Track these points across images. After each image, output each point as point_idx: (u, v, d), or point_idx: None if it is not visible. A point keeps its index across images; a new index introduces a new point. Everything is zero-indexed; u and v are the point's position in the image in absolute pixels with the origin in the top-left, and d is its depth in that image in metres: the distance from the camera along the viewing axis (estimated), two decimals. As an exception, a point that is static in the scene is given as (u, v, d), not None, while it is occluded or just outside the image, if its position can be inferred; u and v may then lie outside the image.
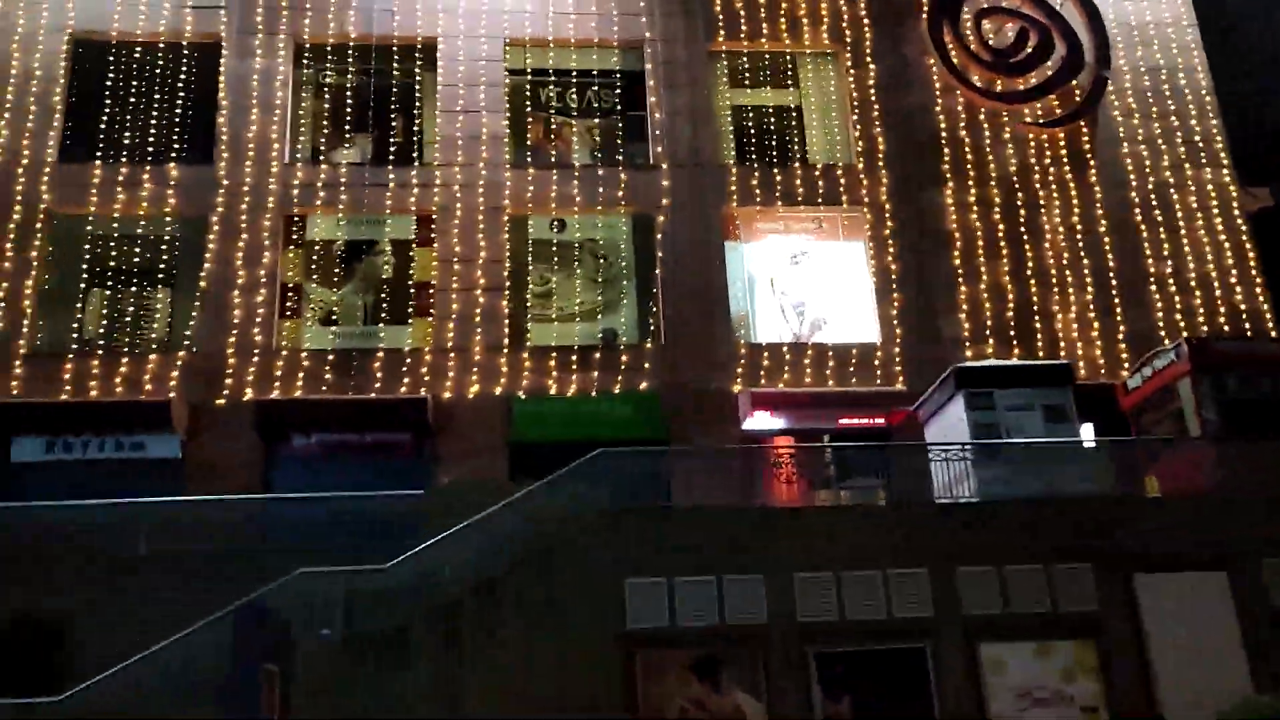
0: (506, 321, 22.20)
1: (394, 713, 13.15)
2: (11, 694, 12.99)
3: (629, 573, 14.22)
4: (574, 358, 22.00)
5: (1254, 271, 24.62)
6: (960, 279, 23.61)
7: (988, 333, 23.18)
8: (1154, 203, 25.01)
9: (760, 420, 21.33)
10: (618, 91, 24.65)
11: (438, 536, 14.51)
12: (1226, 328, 23.85)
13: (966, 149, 24.84)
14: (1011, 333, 23.21)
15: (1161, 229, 24.77)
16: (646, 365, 22.03)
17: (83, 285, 21.81)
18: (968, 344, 22.93)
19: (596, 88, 24.75)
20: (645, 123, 24.33)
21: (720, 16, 25.22)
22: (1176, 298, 24.14)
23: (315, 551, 14.38)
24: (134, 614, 14.08)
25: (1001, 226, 24.20)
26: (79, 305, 21.61)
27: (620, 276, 23.47)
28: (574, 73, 24.65)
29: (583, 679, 13.47)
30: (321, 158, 23.41)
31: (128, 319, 21.76)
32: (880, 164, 24.43)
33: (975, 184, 24.54)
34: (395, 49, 24.16)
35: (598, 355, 22.08)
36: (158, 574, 14.91)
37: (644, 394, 21.67)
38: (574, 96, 24.61)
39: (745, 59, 25.32)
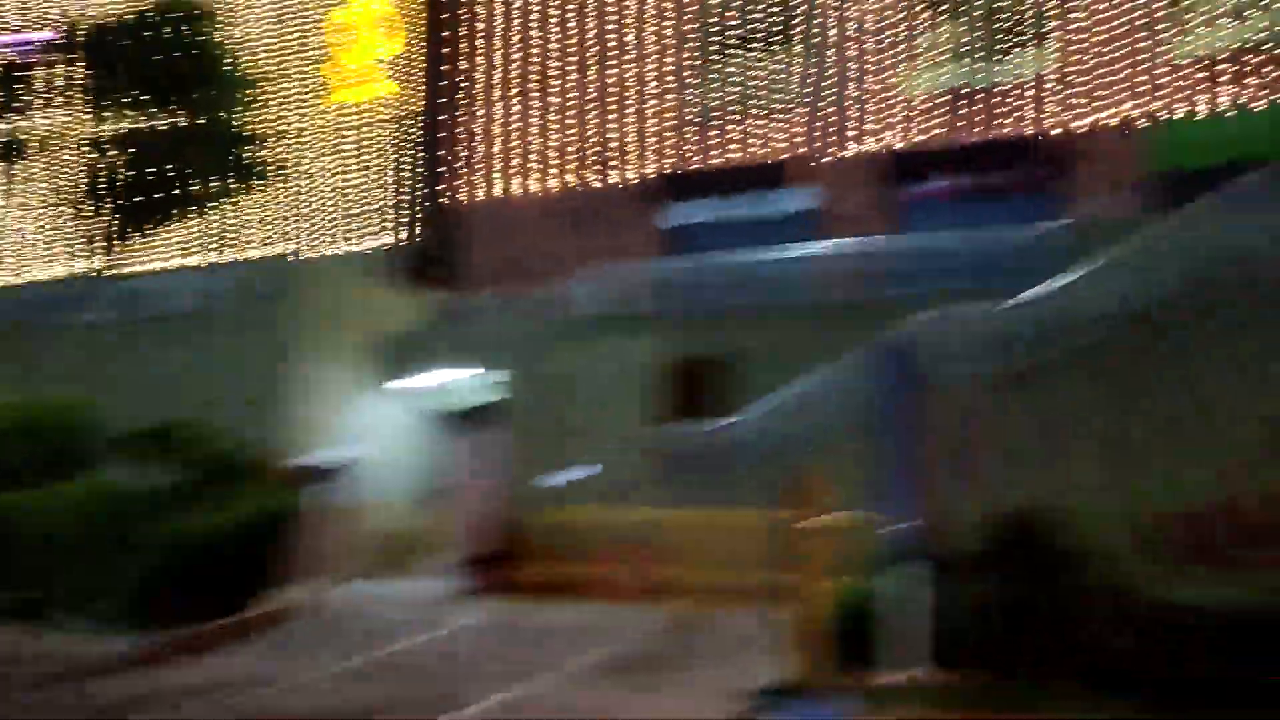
0: (1143, 33, 19.59)
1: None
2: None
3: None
4: (1227, 67, 18.86)
5: None
6: None
7: None
8: None
9: None
10: None
11: (1079, 272, 13.70)
12: None
13: None
14: None
15: None
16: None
17: (719, 54, 23.15)
18: None
19: None
20: None
21: None
22: None
23: (953, 290, 14.47)
24: (794, 354, 15.39)
25: None
26: (719, 73, 23.07)
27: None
28: None
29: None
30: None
31: (760, 81, 22.80)
32: None
33: None
34: None
35: (1258, 59, 18.67)
36: (807, 318, 16.14)
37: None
38: None
39: None
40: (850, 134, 21.33)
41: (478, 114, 24.71)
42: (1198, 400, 12.37)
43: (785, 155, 21.65)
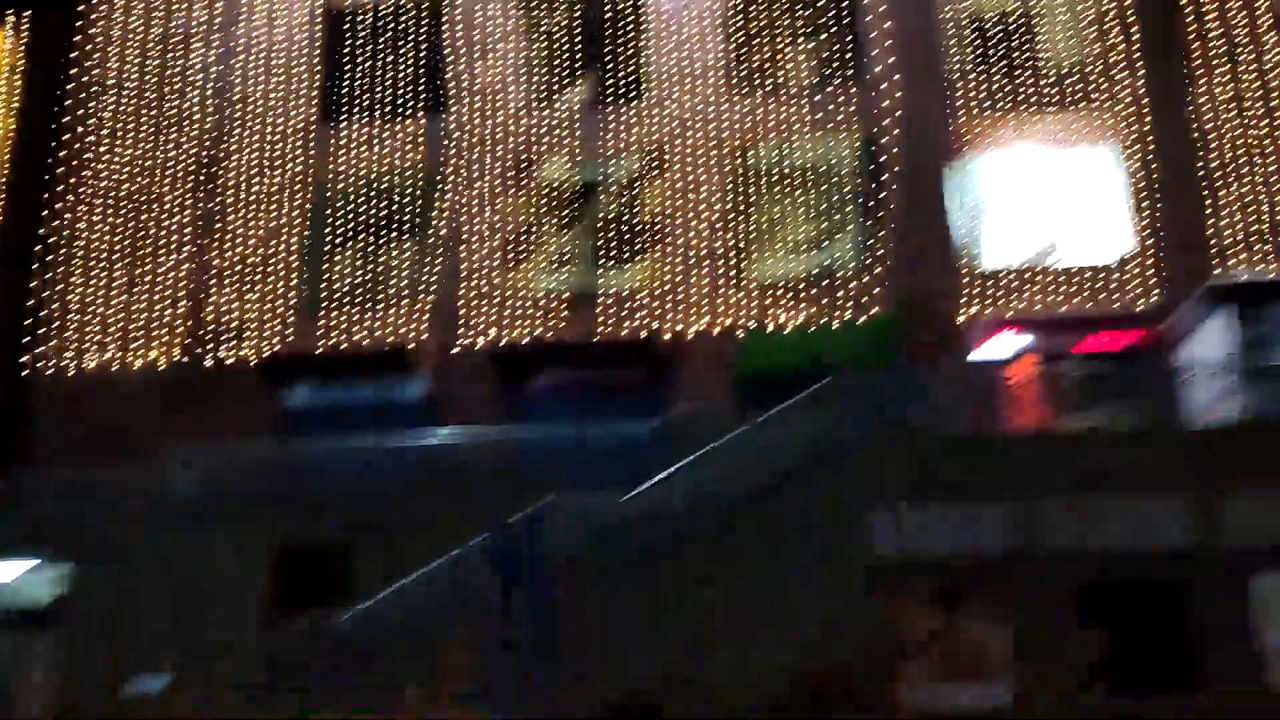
0: (732, 256, 22.24)
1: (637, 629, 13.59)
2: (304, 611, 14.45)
3: (868, 500, 14.13)
4: (800, 289, 21.83)
5: None
6: (1220, 185, 21.69)
7: (1253, 241, 21.28)
8: None
9: (996, 345, 20.53)
10: (838, 8, 23.81)
11: (671, 468, 14.87)
12: None
13: (1222, 38, 22.66)
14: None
15: None
16: (875, 292, 21.58)
17: (337, 241, 23.39)
18: (1230, 255, 21.14)
19: (815, 6, 23.97)
20: (866, 40, 23.51)
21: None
22: None
23: (556, 482, 15.03)
24: (404, 540, 15.18)
25: (1265, 123, 22.04)
26: (335, 260, 23.23)
27: (845, 202, 22.96)
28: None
29: (820, 605, 13.53)
30: (549, 101, 23.87)
31: (378, 270, 23.22)
32: (1124, 61, 22.64)
33: (1230, 79, 22.39)
34: (614, -16, 24.27)
35: (824, 285, 21.80)
36: (420, 503, 16.05)
37: (872, 322, 21.27)
38: (792, 18, 23.98)
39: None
40: (471, 327, 22.08)
41: (74, 282, 23.03)
42: (774, 582, 13.71)
43: (406, 343, 21.92)
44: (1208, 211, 21.53)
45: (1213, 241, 21.33)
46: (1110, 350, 19.96)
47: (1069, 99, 22.60)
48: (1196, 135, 22.02)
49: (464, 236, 22.72)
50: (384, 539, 15.55)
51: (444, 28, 24.18)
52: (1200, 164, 21.82)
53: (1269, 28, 22.62)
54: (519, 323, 22.07)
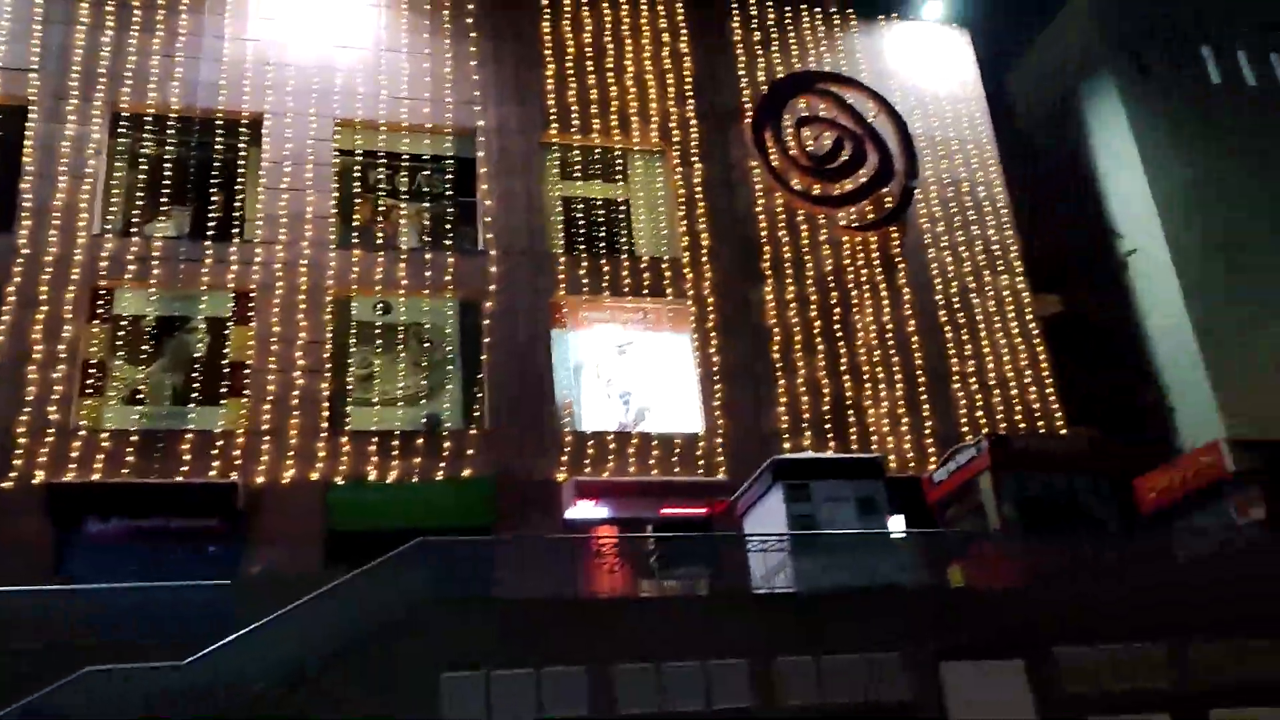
0: (326, 405, 21.56)
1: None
2: None
3: (446, 666, 13.84)
4: (395, 443, 21.51)
5: (1046, 373, 26.47)
6: (779, 373, 24.48)
7: (805, 425, 24.01)
8: (957, 306, 26.71)
9: (585, 509, 21.32)
10: (448, 177, 24.65)
11: (242, 631, 13.74)
12: (1023, 425, 25.47)
13: (785, 248, 25.99)
14: (827, 426, 24.13)
15: (964, 330, 26.44)
16: (471, 452, 21.75)
17: None
18: (786, 436, 23.67)
19: (427, 172, 24.71)
20: (475, 209, 24.42)
21: (553, 110, 25.73)
22: (978, 395, 25.68)
23: (110, 646, 13.39)
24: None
25: (818, 323, 25.29)
26: None
27: (445, 362, 23.21)
28: (405, 156, 24.48)
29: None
30: (134, 230, 22.34)
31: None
32: (704, 259, 25.23)
33: (794, 282, 25.66)
34: (220, 122, 23.50)
35: (420, 441, 21.66)
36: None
37: (468, 480, 21.35)
38: (404, 179, 24.42)
39: (576, 152, 25.87)
40: (29, 459, 19.51)
41: None
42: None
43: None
44: (770, 395, 24.11)
45: (774, 422, 23.80)
46: (689, 518, 21.34)
47: (656, 287, 24.60)
48: (762, 331, 24.77)
49: (27, 361, 20.25)
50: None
51: (26, 142, 22.01)
52: (763, 355, 24.51)
53: (822, 242, 26.25)
54: (83, 459, 19.80)
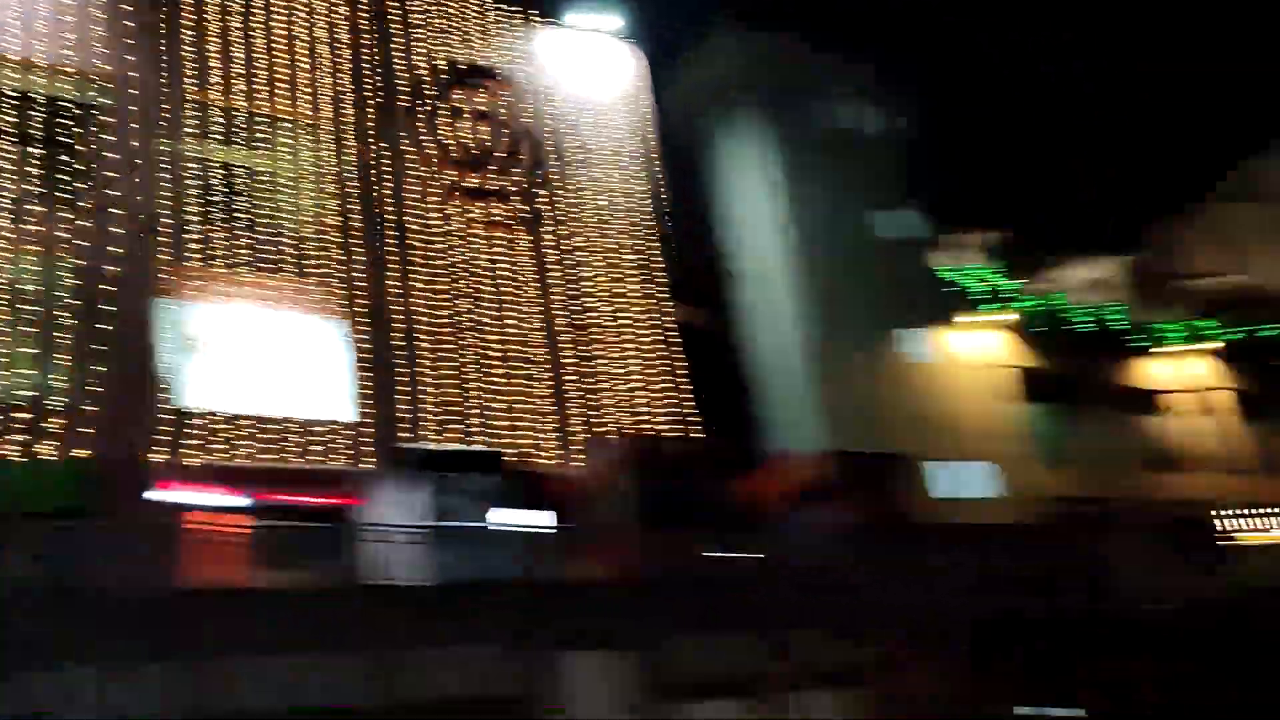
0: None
1: None
2: None
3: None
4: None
5: (682, 378, 27.67)
6: (414, 363, 23.92)
7: (442, 417, 23.63)
8: (603, 309, 27.38)
9: (189, 493, 19.63)
10: (65, 123, 21.96)
11: None
12: (662, 427, 26.49)
13: (431, 237, 25.52)
14: (465, 419, 23.90)
15: (609, 334, 27.14)
16: (70, 429, 19.47)
17: None
18: (418, 427, 23.17)
19: (41, 115, 21.86)
20: (93, 163, 21.93)
21: (195, 65, 23.74)
22: (620, 397, 26.42)
23: None
24: None
25: (465, 316, 25.03)
26: None
27: (46, 328, 20.60)
28: (16, 94, 21.60)
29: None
30: None
31: None
32: (342, 240, 24.20)
33: (436, 273, 25.22)
34: None
35: (16, 415, 19.15)
36: None
37: (59, 461, 19.09)
38: (10, 120, 21.52)
39: (217, 114, 23.93)
40: None
41: None
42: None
43: None
44: (408, 385, 23.54)
45: (413, 414, 23.25)
46: (315, 507, 20.31)
47: (289, 266, 23.27)
48: (405, 324, 24.15)
49: None
50: None
51: None
52: (405, 348, 23.91)
53: (472, 235, 26.05)
54: None
